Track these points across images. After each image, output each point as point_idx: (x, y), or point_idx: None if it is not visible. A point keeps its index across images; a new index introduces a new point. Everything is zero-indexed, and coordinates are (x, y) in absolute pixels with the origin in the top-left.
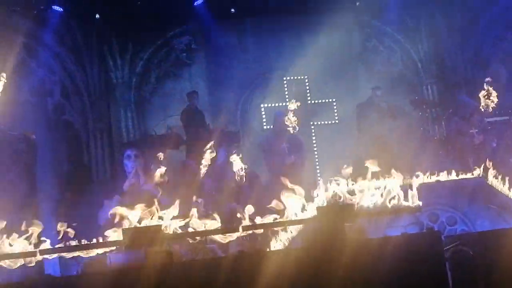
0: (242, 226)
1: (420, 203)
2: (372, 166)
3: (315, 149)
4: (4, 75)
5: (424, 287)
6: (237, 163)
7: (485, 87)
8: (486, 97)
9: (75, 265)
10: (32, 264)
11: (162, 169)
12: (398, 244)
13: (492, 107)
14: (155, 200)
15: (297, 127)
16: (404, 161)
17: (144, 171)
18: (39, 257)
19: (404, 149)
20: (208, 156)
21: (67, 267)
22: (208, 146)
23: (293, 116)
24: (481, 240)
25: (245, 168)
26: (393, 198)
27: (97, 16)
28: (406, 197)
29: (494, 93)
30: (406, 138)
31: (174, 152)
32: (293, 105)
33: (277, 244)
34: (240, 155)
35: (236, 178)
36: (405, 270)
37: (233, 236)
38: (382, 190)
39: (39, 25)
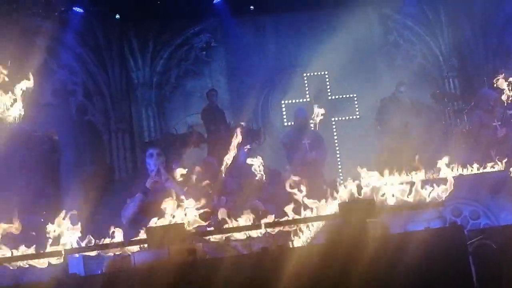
0: (264, 223)
1: (443, 198)
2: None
3: (336, 145)
4: (31, 78)
5: (447, 282)
6: (255, 162)
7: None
8: (508, 88)
9: (98, 264)
10: (58, 263)
11: (183, 170)
12: (421, 239)
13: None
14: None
15: (317, 123)
16: (426, 156)
17: (166, 169)
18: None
19: (426, 144)
20: (231, 155)
21: (91, 267)
22: (233, 145)
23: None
24: (505, 234)
25: (262, 166)
26: (417, 192)
27: (117, 16)
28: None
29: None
30: (428, 132)
31: (195, 150)
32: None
33: (300, 241)
34: (260, 160)
35: (257, 175)
36: (429, 265)
37: (253, 234)
38: (404, 185)
39: (60, 27)
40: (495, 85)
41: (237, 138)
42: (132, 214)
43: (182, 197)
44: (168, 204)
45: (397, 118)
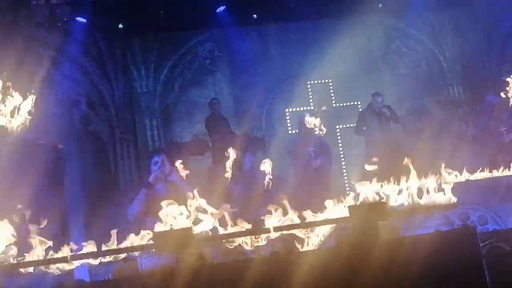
0: (273, 227)
1: (455, 200)
2: (370, 167)
3: (341, 152)
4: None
5: (461, 285)
6: (264, 168)
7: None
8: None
9: (104, 271)
10: (63, 271)
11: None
12: (432, 242)
13: None
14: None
15: (323, 129)
16: (432, 163)
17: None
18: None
19: (433, 150)
20: (228, 164)
21: (96, 274)
22: (227, 154)
23: (316, 118)
24: None
25: (270, 173)
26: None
27: (120, 26)
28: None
29: None
30: (435, 139)
31: (201, 159)
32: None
33: (310, 245)
34: (270, 162)
35: (264, 183)
36: (441, 268)
37: (261, 241)
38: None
39: (63, 37)
40: (502, 93)
41: (230, 158)
42: (138, 212)
43: (189, 193)
44: (170, 207)
45: (375, 128)
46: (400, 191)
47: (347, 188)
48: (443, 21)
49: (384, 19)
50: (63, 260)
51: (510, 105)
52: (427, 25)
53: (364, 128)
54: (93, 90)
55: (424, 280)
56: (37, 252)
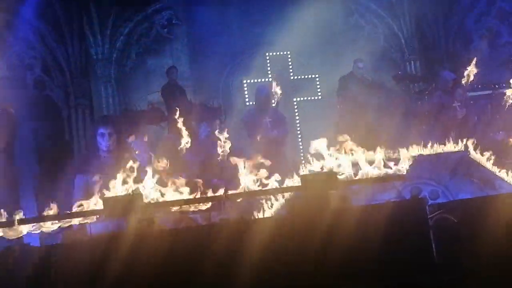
0: (225, 194)
1: (405, 172)
2: (343, 139)
3: (297, 125)
4: None
5: (408, 254)
6: (221, 137)
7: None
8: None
9: (53, 238)
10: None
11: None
12: (382, 212)
13: (471, 80)
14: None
15: (278, 100)
16: (387, 136)
17: (121, 145)
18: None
19: (387, 125)
20: (184, 133)
21: (46, 241)
22: (181, 124)
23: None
24: (464, 208)
25: (227, 143)
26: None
27: None
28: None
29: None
30: (389, 113)
31: (156, 128)
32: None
33: (265, 214)
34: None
35: (219, 153)
36: (389, 238)
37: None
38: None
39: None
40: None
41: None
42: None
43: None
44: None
45: (356, 95)
46: (352, 162)
47: (302, 161)
48: None
49: None
50: (11, 224)
51: (464, 81)
52: (386, 0)
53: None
54: (48, 54)
55: (372, 248)
56: None
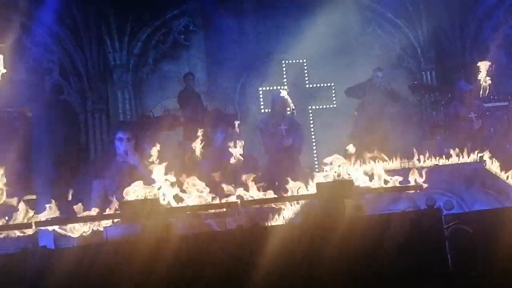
0: (241, 201)
1: (424, 185)
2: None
3: (312, 133)
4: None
5: (423, 265)
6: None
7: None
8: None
9: (69, 240)
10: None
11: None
12: (398, 222)
13: (487, 91)
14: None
15: (294, 109)
16: (403, 146)
17: (137, 151)
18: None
19: (402, 134)
20: (198, 144)
21: (61, 243)
22: (200, 131)
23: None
24: (480, 219)
25: (242, 150)
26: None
27: None
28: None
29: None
30: (405, 123)
31: (171, 133)
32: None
33: (279, 221)
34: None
35: (234, 159)
36: (404, 247)
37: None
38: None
39: (37, 4)
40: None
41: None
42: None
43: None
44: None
45: (374, 102)
46: (366, 173)
47: (317, 169)
48: (418, 6)
49: (360, 0)
50: (27, 226)
51: (480, 92)
52: (403, 9)
53: (359, 99)
54: (66, 58)
55: (387, 258)
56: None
